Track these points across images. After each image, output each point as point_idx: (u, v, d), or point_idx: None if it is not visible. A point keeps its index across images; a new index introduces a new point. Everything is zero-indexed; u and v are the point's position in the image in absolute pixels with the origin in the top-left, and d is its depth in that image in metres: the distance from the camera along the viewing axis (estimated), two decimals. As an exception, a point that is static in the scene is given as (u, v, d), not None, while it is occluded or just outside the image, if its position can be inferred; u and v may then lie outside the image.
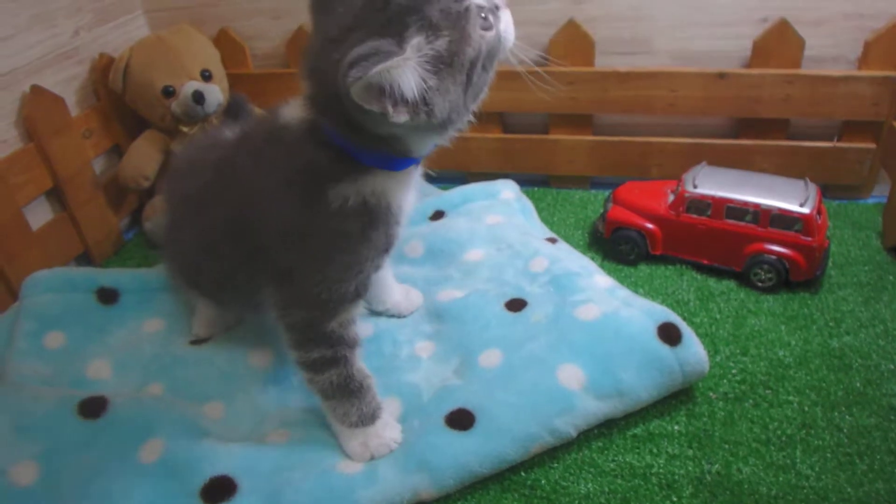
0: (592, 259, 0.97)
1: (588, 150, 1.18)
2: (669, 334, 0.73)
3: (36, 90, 1.03)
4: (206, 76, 1.12)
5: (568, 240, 1.03)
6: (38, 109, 1.03)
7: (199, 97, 1.08)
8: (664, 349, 0.72)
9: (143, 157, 1.13)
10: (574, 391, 0.70)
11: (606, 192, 1.18)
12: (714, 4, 1.07)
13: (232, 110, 1.10)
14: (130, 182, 1.14)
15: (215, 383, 0.80)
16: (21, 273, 1.00)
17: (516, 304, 0.85)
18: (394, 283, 0.89)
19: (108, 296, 0.94)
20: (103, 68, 1.15)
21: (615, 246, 1.00)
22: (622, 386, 0.70)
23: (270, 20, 1.22)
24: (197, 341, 0.88)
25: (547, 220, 1.10)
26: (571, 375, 0.71)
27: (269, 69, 1.26)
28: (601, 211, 1.07)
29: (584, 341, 0.74)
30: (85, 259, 1.14)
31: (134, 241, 1.21)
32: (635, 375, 0.71)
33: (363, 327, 0.86)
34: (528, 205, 1.08)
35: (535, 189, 1.21)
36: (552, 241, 0.98)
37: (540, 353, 0.74)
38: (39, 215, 1.06)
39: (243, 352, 0.84)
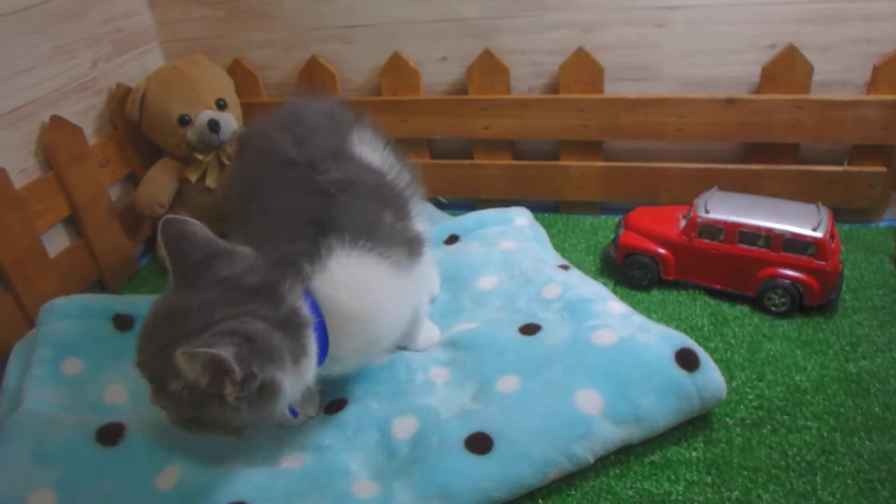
0: (604, 285, 0.98)
1: (598, 176, 1.20)
2: (687, 360, 0.74)
3: (55, 120, 1.06)
4: (221, 105, 1.16)
5: (579, 266, 1.05)
6: (57, 139, 1.06)
7: (214, 125, 1.11)
8: (682, 375, 0.73)
9: (159, 185, 1.16)
10: (592, 416, 0.71)
11: (617, 218, 1.20)
12: (721, 31, 1.10)
13: None
14: (146, 209, 1.17)
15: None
16: (38, 300, 1.02)
17: (530, 329, 0.86)
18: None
19: (124, 322, 0.95)
20: (120, 98, 1.18)
21: (627, 271, 1.02)
22: (640, 412, 0.71)
23: (282, 50, 1.26)
24: None
25: (558, 245, 1.12)
26: (589, 401, 0.72)
27: (281, 98, 1.29)
28: (612, 236, 1.09)
29: (602, 366, 0.75)
30: (100, 286, 1.17)
31: (148, 268, 1.23)
32: (653, 401, 0.72)
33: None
34: (541, 232, 1.10)
35: (546, 215, 1.23)
36: (564, 267, 1.00)
37: (557, 378, 0.75)
38: (56, 242, 1.09)
39: None
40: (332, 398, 0.82)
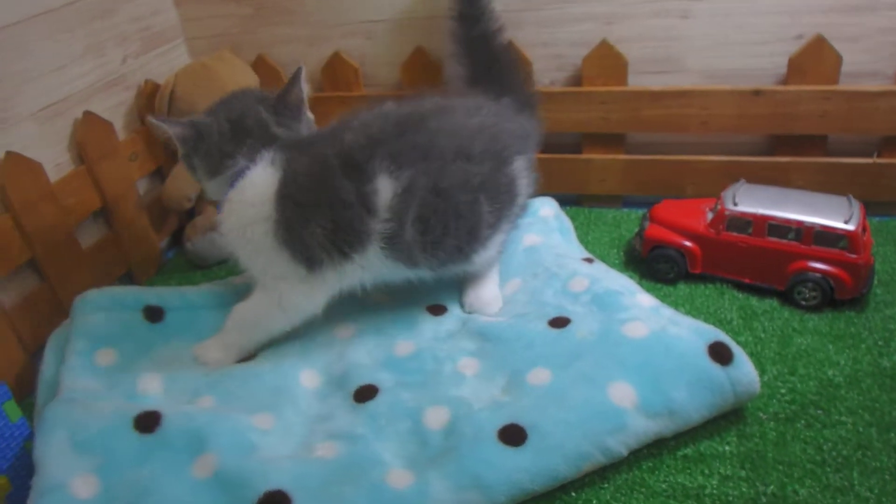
0: (630, 278, 0.96)
1: (621, 169, 1.18)
2: (720, 353, 0.72)
3: (88, 116, 1.06)
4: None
5: (604, 259, 1.03)
6: (89, 134, 1.06)
7: (241, 121, 1.11)
8: (716, 368, 0.71)
9: (186, 179, 1.16)
10: (626, 409, 0.69)
11: (640, 212, 1.18)
12: (747, 23, 1.07)
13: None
14: (174, 203, 1.16)
15: (264, 397, 0.80)
16: (72, 291, 1.02)
17: (559, 322, 0.84)
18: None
19: (154, 314, 0.95)
20: (149, 94, 1.18)
21: (653, 265, 1.00)
22: (674, 405, 0.70)
23: (305, 46, 1.25)
24: (244, 359, 0.89)
25: (581, 239, 1.10)
26: (623, 393, 0.70)
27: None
28: (637, 229, 1.06)
29: (634, 359, 0.73)
30: (128, 278, 1.17)
31: (174, 260, 1.23)
32: (687, 395, 0.70)
33: (402, 345, 0.87)
34: (567, 223, 1.08)
35: (568, 208, 1.21)
36: (589, 260, 0.98)
37: (589, 370, 0.73)
38: (87, 235, 1.09)
39: (293, 371, 0.85)
40: (362, 383, 0.81)
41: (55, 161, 1.03)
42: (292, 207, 0.78)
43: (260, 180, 0.80)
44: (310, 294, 0.84)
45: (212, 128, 0.83)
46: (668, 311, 0.81)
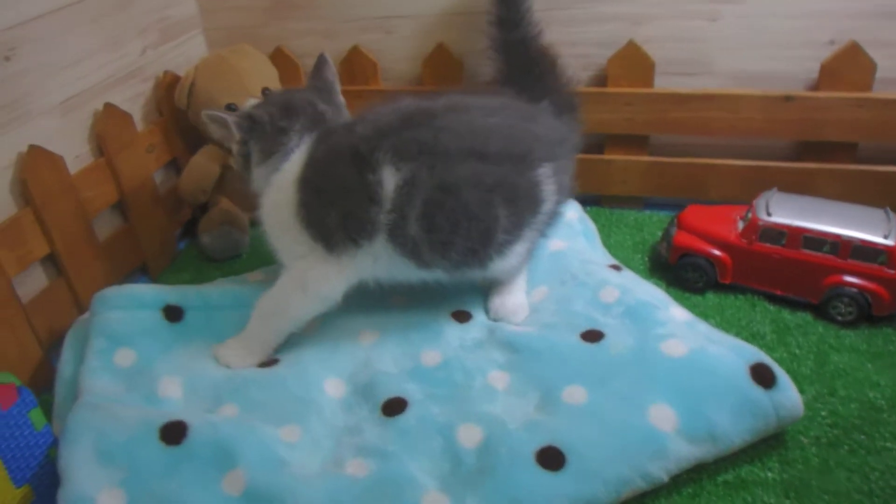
0: (656, 285, 0.89)
1: (643, 171, 1.11)
2: (763, 376, 0.66)
3: (108, 108, 0.99)
4: (266, 94, 1.08)
5: (627, 264, 0.97)
6: (109, 126, 0.99)
7: (262, 115, 1.03)
8: (758, 391, 0.65)
9: (203, 171, 1.09)
10: (666, 433, 0.63)
11: (661, 214, 1.12)
12: (777, 26, 0.99)
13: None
14: (189, 196, 1.10)
15: (290, 406, 0.75)
16: (89, 284, 0.96)
17: (593, 335, 0.78)
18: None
19: (173, 313, 0.88)
20: (167, 85, 1.11)
21: (681, 273, 0.93)
22: (715, 429, 0.64)
23: (323, 39, 1.17)
24: (265, 364, 0.83)
25: (604, 241, 1.03)
26: (663, 416, 0.64)
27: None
28: (661, 234, 1.00)
29: (674, 380, 0.67)
30: (142, 271, 1.10)
31: (186, 252, 1.16)
32: (728, 418, 0.64)
33: (429, 354, 0.81)
34: (591, 226, 1.02)
35: (589, 208, 1.14)
36: (616, 268, 0.91)
37: (627, 390, 0.68)
38: (102, 228, 1.02)
39: (317, 379, 0.79)
40: (389, 395, 0.75)
41: (74, 153, 0.96)
42: (311, 191, 0.78)
43: (292, 165, 0.80)
44: (329, 276, 0.80)
45: (265, 110, 0.83)
46: (703, 327, 0.75)
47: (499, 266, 0.83)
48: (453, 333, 0.84)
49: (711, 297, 0.91)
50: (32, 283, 0.91)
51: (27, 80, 0.88)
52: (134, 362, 0.83)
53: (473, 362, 0.79)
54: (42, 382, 0.90)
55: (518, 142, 0.79)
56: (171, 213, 1.14)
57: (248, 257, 1.12)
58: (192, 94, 1.06)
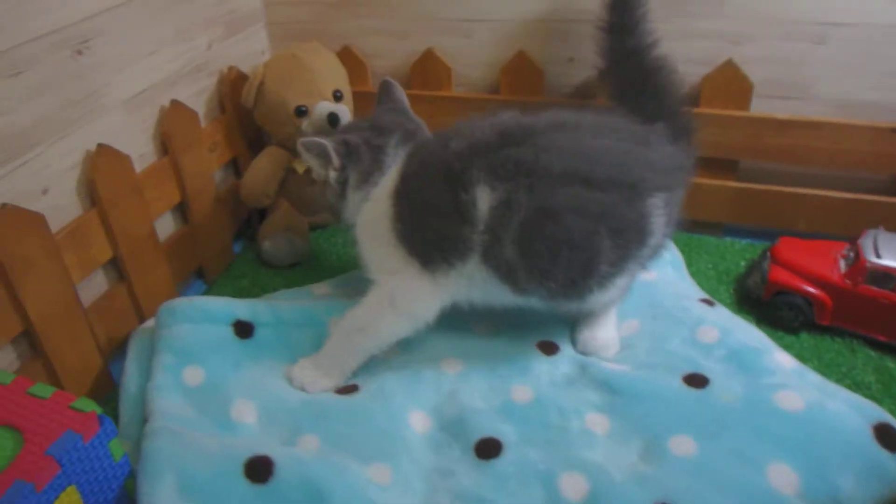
0: (746, 320, 0.87)
1: (730, 197, 1.08)
2: (888, 437, 0.65)
3: (175, 105, 0.97)
4: (338, 96, 1.06)
5: (713, 296, 0.94)
6: (175, 124, 0.97)
7: (334, 119, 1.01)
8: (884, 455, 0.64)
9: (267, 174, 1.07)
10: (787, 497, 0.62)
11: (742, 241, 1.10)
12: (888, 54, 0.96)
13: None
14: (252, 200, 1.08)
15: (376, 441, 0.73)
16: (150, 290, 0.95)
17: (697, 380, 0.75)
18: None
19: (244, 329, 0.87)
20: (232, 81, 1.09)
21: (776, 311, 0.91)
22: (840, 495, 0.62)
23: (395, 40, 1.15)
24: (343, 390, 0.81)
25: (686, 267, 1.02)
26: (783, 478, 0.63)
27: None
28: (751, 266, 0.98)
29: (793, 437, 0.66)
30: (197, 275, 1.09)
31: (242, 256, 1.15)
32: (853, 484, 0.62)
33: (519, 389, 0.79)
34: (678, 256, 1.00)
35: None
36: (709, 302, 0.89)
37: (742, 446, 0.66)
38: (161, 231, 1.00)
39: (401, 411, 0.77)
40: (482, 435, 0.73)
41: (139, 152, 0.94)
42: (405, 206, 0.78)
43: (387, 179, 0.81)
44: (421, 295, 0.79)
45: (357, 133, 0.84)
46: (814, 378, 0.74)
47: (598, 299, 0.80)
48: (542, 367, 0.82)
49: (807, 338, 0.89)
50: (93, 288, 0.90)
51: (98, 75, 0.87)
52: (203, 380, 0.82)
53: (568, 402, 0.77)
54: (102, 392, 0.89)
55: (629, 168, 0.75)
56: (229, 215, 1.12)
57: (307, 265, 1.11)
58: (261, 93, 1.04)
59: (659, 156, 0.78)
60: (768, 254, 0.96)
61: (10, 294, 0.76)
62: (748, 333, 0.82)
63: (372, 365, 0.83)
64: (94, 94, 0.86)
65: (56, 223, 0.82)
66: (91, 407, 0.67)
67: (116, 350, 0.93)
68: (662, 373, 0.77)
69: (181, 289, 1.04)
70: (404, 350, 0.85)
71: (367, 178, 0.82)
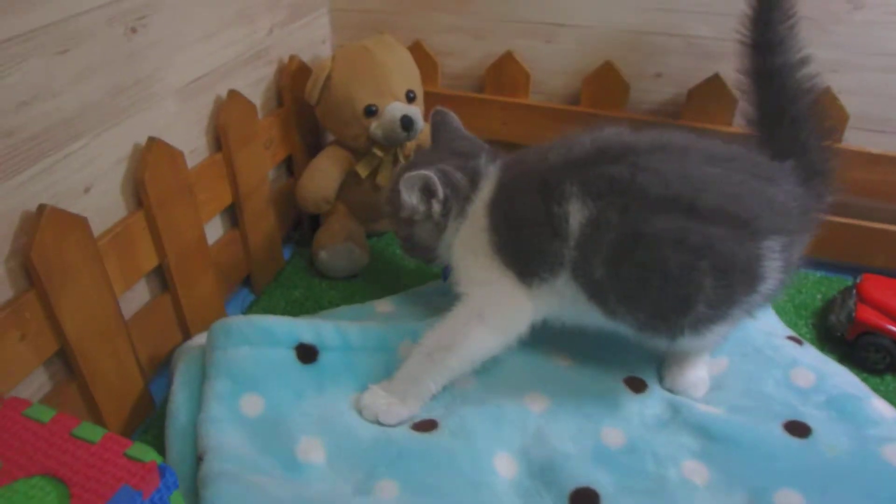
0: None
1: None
2: None
3: (232, 95, 0.80)
4: (411, 97, 0.89)
5: (793, 330, 0.82)
6: (232, 116, 0.80)
7: (407, 123, 0.86)
8: None
9: (327, 177, 0.91)
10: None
11: (817, 274, 0.98)
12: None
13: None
14: (311, 204, 0.91)
15: (460, 490, 0.60)
16: (197, 301, 0.79)
17: (797, 428, 0.66)
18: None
19: (307, 353, 0.72)
20: (293, 72, 0.91)
21: (861, 352, 0.80)
22: None
23: (471, 39, 0.99)
24: (420, 426, 0.67)
25: (759, 302, 0.90)
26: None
27: (457, 91, 1.03)
28: (833, 303, 0.87)
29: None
30: (244, 283, 0.93)
31: (292, 263, 0.98)
32: None
33: (610, 433, 0.67)
34: (759, 290, 0.88)
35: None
36: (797, 341, 0.78)
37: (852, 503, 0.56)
38: (209, 236, 0.83)
39: (486, 454, 0.64)
40: (577, 485, 0.61)
41: (190, 147, 0.77)
42: (499, 217, 0.70)
43: (483, 192, 0.73)
44: (514, 307, 0.70)
45: (439, 160, 0.75)
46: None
47: (690, 342, 0.68)
48: (632, 407, 0.71)
49: (892, 380, 0.79)
50: (134, 299, 0.74)
51: (152, 58, 0.69)
52: (262, 411, 0.67)
53: (663, 447, 0.66)
54: (142, 415, 0.73)
55: (743, 203, 0.63)
56: (279, 218, 0.95)
57: (365, 276, 0.95)
58: (328, 87, 0.87)
59: (783, 195, 0.65)
60: (854, 291, 0.85)
61: (47, 309, 0.60)
62: (844, 378, 0.73)
63: (448, 398, 0.71)
64: (146, 79, 0.69)
65: (98, 226, 0.65)
66: (150, 456, 0.52)
67: (158, 368, 0.77)
68: (760, 418, 0.67)
69: (226, 299, 0.88)
70: (482, 381, 0.72)
71: (466, 203, 0.73)
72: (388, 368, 0.72)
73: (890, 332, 0.78)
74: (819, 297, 0.94)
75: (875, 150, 0.89)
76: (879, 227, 0.94)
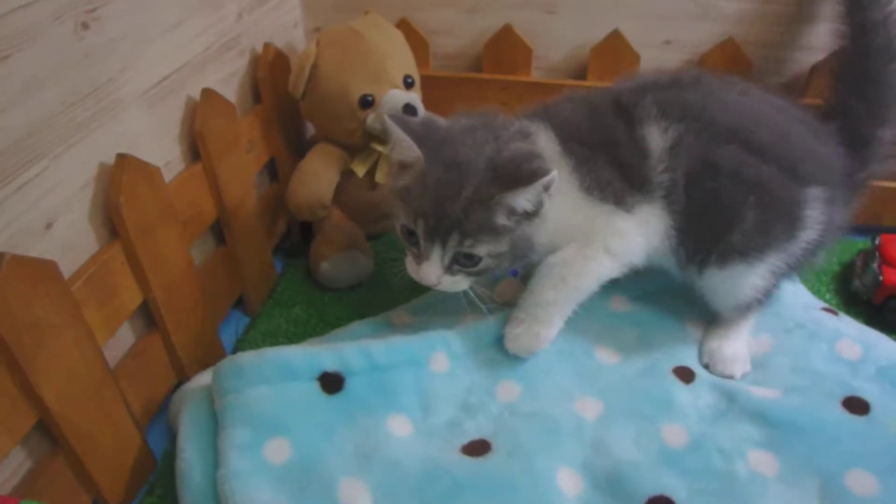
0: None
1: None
2: None
3: (207, 95, 0.69)
4: (409, 83, 0.81)
5: (816, 296, 0.82)
6: (209, 120, 0.69)
7: (410, 111, 0.77)
8: None
9: (322, 180, 0.82)
10: None
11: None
12: None
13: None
14: (305, 211, 0.82)
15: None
16: (184, 335, 0.69)
17: (856, 405, 0.64)
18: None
19: (332, 383, 0.64)
20: (270, 63, 0.80)
21: (890, 315, 0.80)
22: None
23: (463, 14, 0.90)
24: (471, 449, 0.61)
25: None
26: None
27: (451, 72, 0.94)
28: (855, 267, 0.86)
29: None
30: (236, 305, 0.83)
31: (286, 278, 0.89)
32: None
33: (670, 430, 0.63)
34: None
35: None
36: (832, 312, 0.77)
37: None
38: (195, 257, 0.73)
39: (547, 472, 0.59)
40: (649, 494, 0.58)
41: (164, 159, 0.67)
42: (578, 149, 0.66)
43: (544, 150, 0.65)
44: (624, 232, 0.67)
45: (510, 151, 0.63)
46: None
47: (715, 280, 0.68)
48: (685, 399, 0.67)
49: None
50: (119, 344, 0.63)
51: (111, 58, 0.58)
52: (290, 456, 0.59)
53: (726, 440, 0.63)
54: (145, 474, 0.64)
55: (791, 146, 0.65)
56: (266, 229, 0.85)
57: (370, 284, 0.87)
58: (315, 78, 0.77)
59: (825, 150, 0.68)
60: (878, 254, 0.84)
61: (19, 378, 0.49)
62: (888, 346, 0.72)
63: (496, 411, 0.65)
64: (106, 84, 0.58)
65: (68, 268, 0.55)
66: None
67: (155, 416, 0.67)
68: (817, 398, 0.65)
69: (218, 325, 0.78)
70: (529, 389, 0.67)
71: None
72: (421, 385, 0.66)
73: (918, 294, 0.78)
74: (835, 261, 0.93)
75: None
76: (885, 185, 0.92)
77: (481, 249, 0.61)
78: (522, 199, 0.60)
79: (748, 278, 0.67)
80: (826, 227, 0.67)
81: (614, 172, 0.65)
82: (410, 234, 0.63)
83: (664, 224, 0.66)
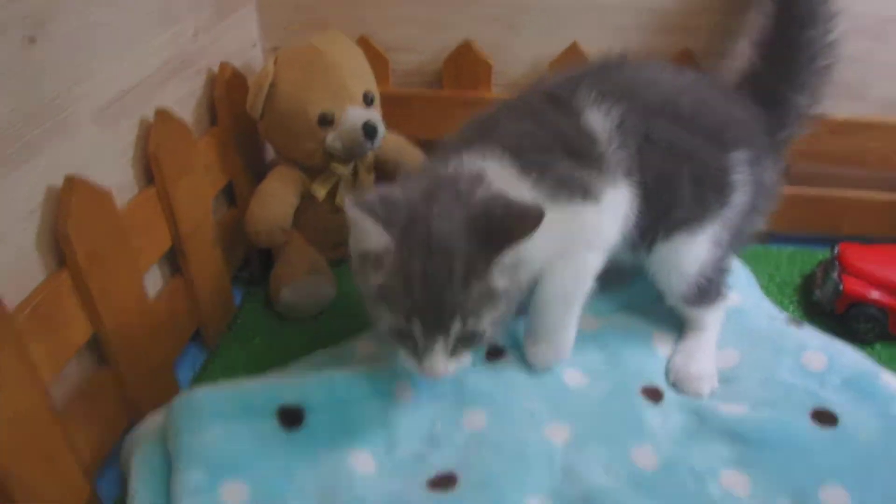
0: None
1: (782, 203, 0.99)
2: None
3: (162, 116, 0.67)
4: (370, 100, 0.81)
5: (779, 308, 0.84)
6: (164, 142, 0.68)
7: (371, 130, 0.77)
8: None
9: (282, 203, 0.80)
10: None
11: (788, 248, 1.01)
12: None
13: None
14: (264, 236, 0.80)
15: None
16: (137, 371, 0.67)
17: (824, 417, 0.65)
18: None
19: (292, 417, 0.62)
20: (227, 82, 0.79)
21: (852, 324, 0.82)
22: None
23: (422, 30, 0.91)
24: (436, 484, 0.60)
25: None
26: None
27: (411, 89, 0.95)
28: (815, 278, 0.89)
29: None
30: (193, 338, 0.79)
31: (245, 309, 0.86)
32: None
33: (640, 452, 0.64)
34: (748, 271, 0.88)
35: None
36: (797, 323, 0.79)
37: None
38: (149, 288, 0.71)
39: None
40: None
41: (116, 183, 0.64)
42: (534, 158, 0.64)
43: (502, 181, 0.62)
44: (601, 226, 0.67)
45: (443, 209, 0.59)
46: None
47: (661, 254, 0.70)
48: (654, 420, 0.67)
49: (881, 349, 0.82)
50: (65, 381, 0.60)
51: (60, 74, 0.56)
52: (247, 499, 0.57)
53: (698, 460, 0.63)
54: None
55: (712, 113, 0.70)
56: (227, 257, 0.83)
57: (333, 311, 0.84)
58: (273, 97, 0.76)
59: (742, 113, 0.72)
60: (836, 263, 0.88)
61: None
62: (851, 356, 0.73)
63: (461, 441, 0.64)
64: (54, 101, 0.56)
65: (11, 299, 0.52)
66: None
67: (105, 461, 0.63)
68: (788, 412, 0.67)
69: (173, 361, 0.75)
70: (495, 416, 0.66)
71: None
72: (385, 417, 0.64)
73: (877, 301, 0.81)
74: (795, 271, 0.96)
75: (840, 116, 0.91)
76: (842, 195, 0.97)
77: (485, 322, 0.56)
78: (515, 249, 0.57)
79: (691, 249, 0.69)
80: (756, 189, 0.71)
81: (573, 164, 0.66)
82: (403, 334, 0.57)
83: (629, 201, 0.68)
